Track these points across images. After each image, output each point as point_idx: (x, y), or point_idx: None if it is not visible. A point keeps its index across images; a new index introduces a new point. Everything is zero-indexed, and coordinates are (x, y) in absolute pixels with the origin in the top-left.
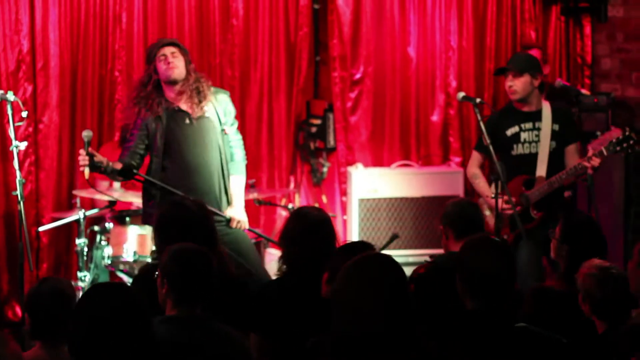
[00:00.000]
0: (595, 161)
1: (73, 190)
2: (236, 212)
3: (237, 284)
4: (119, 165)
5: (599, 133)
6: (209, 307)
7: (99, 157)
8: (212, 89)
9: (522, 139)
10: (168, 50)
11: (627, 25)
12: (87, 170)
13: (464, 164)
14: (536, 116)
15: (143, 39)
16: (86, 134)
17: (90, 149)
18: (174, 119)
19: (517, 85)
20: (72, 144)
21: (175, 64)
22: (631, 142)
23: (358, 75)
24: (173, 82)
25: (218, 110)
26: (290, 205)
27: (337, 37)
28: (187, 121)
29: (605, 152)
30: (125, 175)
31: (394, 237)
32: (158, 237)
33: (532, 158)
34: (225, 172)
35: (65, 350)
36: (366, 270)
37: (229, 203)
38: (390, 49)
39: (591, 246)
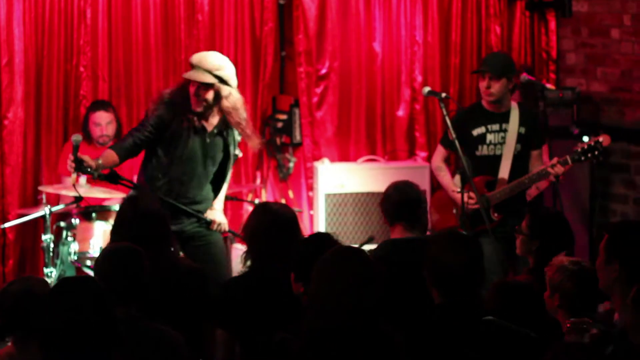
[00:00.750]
0: (559, 169)
1: (38, 186)
2: (216, 214)
3: (196, 274)
4: (106, 171)
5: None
6: (166, 301)
7: (87, 162)
8: None
9: (487, 140)
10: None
11: (591, 20)
12: (74, 176)
13: (429, 159)
14: (504, 118)
15: (107, 35)
16: (75, 138)
17: (78, 154)
18: (192, 130)
19: (494, 88)
20: (37, 139)
21: (203, 100)
22: (596, 152)
23: (324, 71)
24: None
25: (235, 139)
26: (256, 201)
27: (303, 33)
28: (204, 137)
29: (569, 161)
30: (112, 180)
31: (370, 239)
32: (114, 232)
33: (496, 159)
34: (218, 186)
35: (36, 346)
36: (336, 264)
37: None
38: (355, 44)
39: (561, 240)
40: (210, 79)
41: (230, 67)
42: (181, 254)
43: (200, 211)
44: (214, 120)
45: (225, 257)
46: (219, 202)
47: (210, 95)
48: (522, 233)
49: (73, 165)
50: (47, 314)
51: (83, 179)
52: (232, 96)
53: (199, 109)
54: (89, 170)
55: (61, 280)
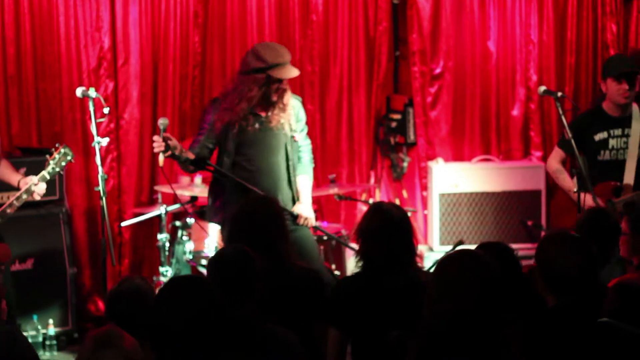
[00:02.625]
0: None
1: (155, 186)
2: (303, 209)
3: (310, 275)
4: (191, 155)
5: None
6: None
7: (173, 142)
8: None
9: (610, 146)
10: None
11: None
12: (161, 157)
13: (544, 159)
14: (626, 122)
15: (222, 36)
16: (162, 121)
17: (165, 133)
18: (247, 121)
19: (633, 90)
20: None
21: (283, 90)
22: None
23: (438, 70)
24: None
25: (290, 117)
26: (370, 200)
27: (417, 32)
28: (259, 125)
29: None
30: (197, 165)
31: (459, 243)
32: (228, 231)
33: (620, 165)
34: (292, 175)
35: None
36: (455, 267)
37: (294, 202)
38: (470, 44)
39: None
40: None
41: None
42: None
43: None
44: (276, 113)
45: (317, 252)
46: (305, 196)
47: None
48: (624, 234)
49: (162, 146)
50: (159, 313)
51: (198, 179)
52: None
53: (275, 100)
54: (174, 150)
55: (172, 279)
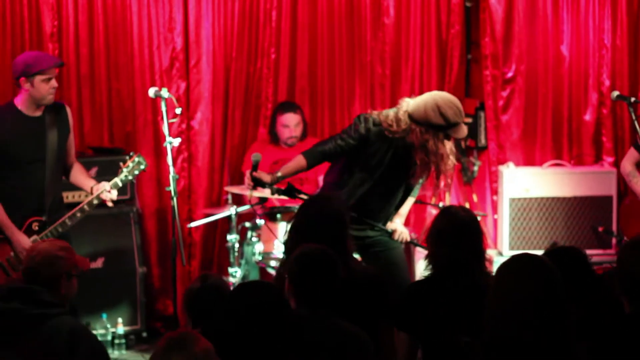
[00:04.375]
0: None
1: (225, 187)
2: (398, 225)
3: (372, 278)
4: (283, 185)
5: None
6: (343, 303)
7: (264, 178)
8: None
9: None
10: None
11: None
12: (250, 192)
13: (616, 164)
14: None
15: (292, 36)
16: (254, 157)
17: (255, 172)
18: (399, 149)
19: None
20: (224, 140)
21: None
22: None
23: (510, 74)
24: None
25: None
26: (440, 204)
27: (489, 35)
28: (404, 155)
29: None
30: (289, 194)
31: (553, 245)
32: (294, 231)
33: None
34: (404, 198)
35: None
36: (513, 272)
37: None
38: (542, 48)
39: None
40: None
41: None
42: (358, 257)
43: (383, 223)
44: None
45: (405, 263)
46: (403, 213)
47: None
48: None
49: (251, 183)
50: (226, 317)
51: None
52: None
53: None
54: (265, 186)
55: (239, 284)
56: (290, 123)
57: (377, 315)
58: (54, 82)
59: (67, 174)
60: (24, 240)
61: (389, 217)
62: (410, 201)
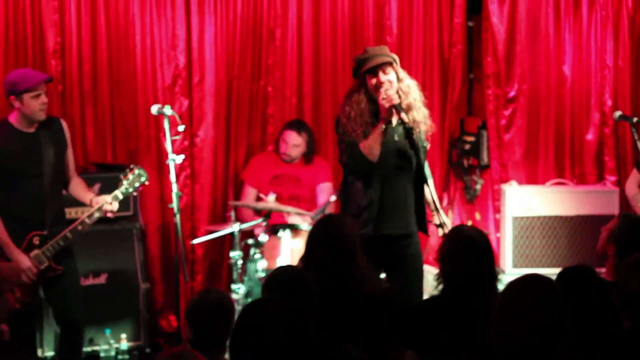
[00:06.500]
0: None
1: (229, 202)
2: (443, 216)
3: (379, 301)
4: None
5: None
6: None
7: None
8: None
9: None
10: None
11: None
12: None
13: (619, 183)
14: None
15: (297, 55)
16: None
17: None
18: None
19: None
20: (227, 157)
21: (387, 80)
22: None
23: (512, 93)
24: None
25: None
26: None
27: (492, 55)
28: (405, 152)
29: None
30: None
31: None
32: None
33: None
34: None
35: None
36: (521, 293)
37: (419, 216)
38: (545, 67)
39: None
40: (387, 58)
41: None
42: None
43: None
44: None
45: (421, 277)
46: (438, 202)
47: (392, 76)
48: None
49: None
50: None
51: (272, 196)
52: (407, 78)
53: (385, 101)
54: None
55: (254, 301)
56: (290, 141)
57: (385, 334)
58: (43, 98)
59: (66, 187)
60: (24, 261)
61: (408, 222)
62: (430, 188)
